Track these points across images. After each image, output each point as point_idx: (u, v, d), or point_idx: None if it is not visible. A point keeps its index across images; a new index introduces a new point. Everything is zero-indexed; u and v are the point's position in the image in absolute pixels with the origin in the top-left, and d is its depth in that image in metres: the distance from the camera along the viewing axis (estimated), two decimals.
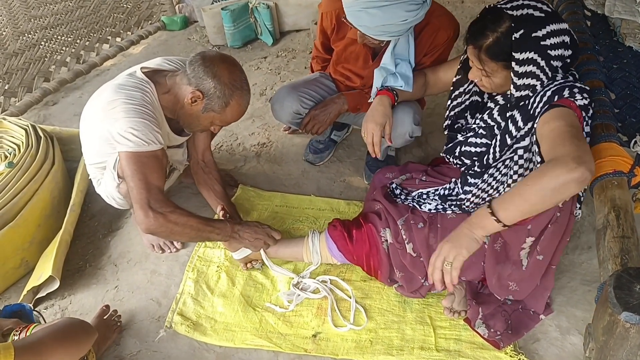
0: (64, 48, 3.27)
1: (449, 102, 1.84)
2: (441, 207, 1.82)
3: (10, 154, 2.21)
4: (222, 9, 3.39)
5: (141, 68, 1.79)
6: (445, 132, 1.87)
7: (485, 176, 1.67)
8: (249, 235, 1.85)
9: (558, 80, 1.45)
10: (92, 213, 2.31)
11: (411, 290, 1.81)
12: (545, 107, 1.41)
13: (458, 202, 1.79)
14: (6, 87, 2.93)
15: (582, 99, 1.40)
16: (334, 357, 1.70)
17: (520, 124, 1.49)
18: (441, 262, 1.38)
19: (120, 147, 1.65)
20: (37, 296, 1.96)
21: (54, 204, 2.20)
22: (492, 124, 1.59)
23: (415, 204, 1.88)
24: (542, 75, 1.46)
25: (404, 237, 1.77)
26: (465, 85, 1.78)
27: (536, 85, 1.48)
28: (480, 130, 1.66)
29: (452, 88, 1.84)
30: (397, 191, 1.98)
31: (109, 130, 1.66)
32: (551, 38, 1.43)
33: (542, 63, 1.44)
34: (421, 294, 1.82)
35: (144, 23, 3.80)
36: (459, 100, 1.81)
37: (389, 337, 1.74)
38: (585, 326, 1.70)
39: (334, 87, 2.24)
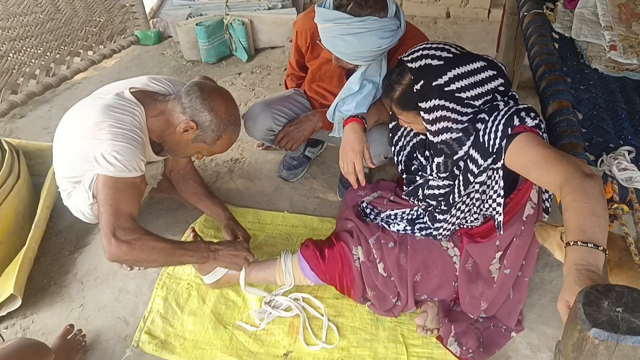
0: (33, 60, 3.20)
1: (393, 148, 1.84)
2: (409, 228, 1.82)
3: None
4: (196, 24, 3.38)
5: (129, 88, 1.75)
6: (403, 176, 1.86)
7: (453, 210, 1.68)
8: (227, 253, 1.81)
9: (501, 109, 1.47)
10: (58, 229, 2.25)
11: (384, 310, 1.81)
12: (504, 140, 1.43)
13: (428, 231, 1.79)
14: None
15: (532, 119, 1.43)
16: None
17: (480, 161, 1.50)
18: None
19: (100, 169, 1.61)
20: None
21: (17, 220, 2.13)
22: (449, 165, 1.60)
23: (384, 224, 1.88)
24: (455, 116, 1.47)
25: (375, 256, 1.76)
26: (402, 129, 1.79)
27: (452, 127, 1.49)
28: (440, 174, 1.67)
29: (390, 134, 1.84)
30: (368, 210, 1.98)
31: (91, 150, 1.62)
32: (456, 82, 1.44)
33: (452, 105, 1.46)
34: (394, 313, 1.82)
35: (117, 37, 3.76)
36: (402, 143, 1.81)
37: (362, 355, 1.73)
38: (554, 344, 1.72)
39: (307, 105, 2.25)
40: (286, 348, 1.75)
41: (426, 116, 1.48)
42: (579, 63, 2.02)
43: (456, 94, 1.44)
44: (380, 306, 1.80)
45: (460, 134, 1.50)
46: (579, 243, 1.10)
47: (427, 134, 1.54)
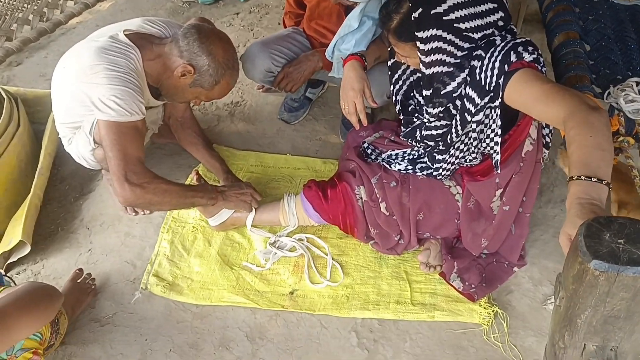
0: (25, 5, 3.11)
1: (392, 87, 1.80)
2: (411, 168, 1.81)
3: None
4: None
5: (124, 31, 1.70)
6: (400, 117, 1.83)
7: (452, 150, 1.66)
8: (234, 193, 1.83)
9: (498, 45, 1.42)
10: (62, 176, 2.25)
11: (387, 248, 1.83)
12: (502, 77, 1.39)
13: (429, 171, 1.78)
14: None
15: (529, 54, 1.38)
16: (311, 313, 1.71)
17: (477, 100, 1.46)
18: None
19: (101, 114, 1.59)
20: (9, 261, 1.92)
21: (21, 167, 2.14)
22: (447, 103, 1.56)
23: (385, 164, 1.86)
24: (451, 49, 1.43)
25: (378, 195, 1.76)
26: (403, 67, 1.74)
27: (446, 60, 1.45)
28: (438, 114, 1.63)
29: (389, 72, 1.79)
30: (369, 151, 1.96)
31: (87, 94, 1.60)
32: (455, 12, 1.40)
33: (450, 37, 1.41)
34: (396, 251, 1.84)
35: None
36: (401, 82, 1.77)
37: (365, 292, 1.76)
38: (555, 277, 1.75)
39: (307, 44, 2.18)
40: (292, 286, 1.78)
41: (422, 46, 1.44)
42: None
43: (455, 24, 1.40)
44: (383, 244, 1.81)
45: (452, 69, 1.47)
46: (582, 177, 1.09)
47: (420, 65, 1.50)
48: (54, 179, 2.24)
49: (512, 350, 1.62)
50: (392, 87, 1.80)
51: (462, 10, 1.40)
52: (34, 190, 2.04)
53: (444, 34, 1.41)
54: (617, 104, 1.50)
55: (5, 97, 2.19)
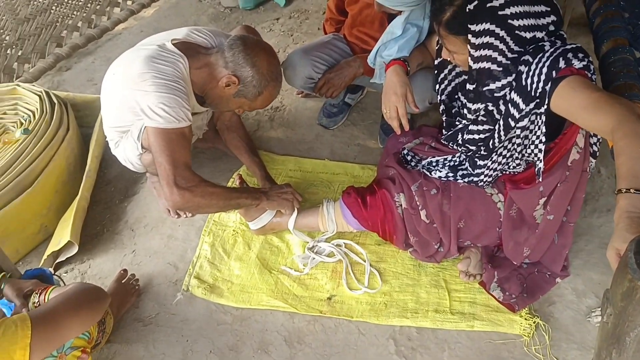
0: (75, 12, 3.24)
1: (437, 86, 1.79)
2: (451, 175, 1.79)
3: (25, 121, 2.22)
4: None
5: (171, 40, 1.76)
6: (443, 117, 1.82)
7: (494, 156, 1.64)
8: (276, 193, 1.87)
9: (547, 51, 1.39)
10: (107, 179, 2.33)
11: (426, 256, 1.81)
12: (549, 84, 1.37)
13: (470, 178, 1.76)
14: (19, 54, 2.92)
15: (579, 61, 1.35)
16: (349, 319, 1.72)
17: (522, 105, 1.44)
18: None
19: (150, 121, 1.64)
20: (57, 260, 2.00)
21: (70, 170, 2.22)
22: (491, 108, 1.54)
23: (425, 171, 1.85)
24: (501, 46, 1.41)
25: (418, 203, 1.75)
26: (450, 67, 1.73)
27: (496, 57, 1.43)
28: (480, 117, 1.61)
29: (436, 72, 1.78)
30: (409, 157, 1.96)
31: (137, 101, 1.65)
32: (511, 7, 1.38)
33: (502, 34, 1.39)
34: (436, 259, 1.82)
35: None
36: (446, 82, 1.76)
37: (404, 300, 1.75)
38: (602, 289, 1.71)
39: (348, 50, 2.19)
40: (330, 292, 1.80)
41: (473, 40, 1.43)
42: None
43: (509, 20, 1.38)
44: (422, 252, 1.80)
45: (499, 68, 1.45)
46: (631, 190, 1.06)
47: (468, 58, 1.49)
48: (100, 182, 2.32)
49: None
50: (437, 86, 1.79)
51: (517, 6, 1.38)
52: (81, 193, 2.11)
53: (497, 30, 1.40)
54: None
55: (56, 102, 2.29)
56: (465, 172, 1.79)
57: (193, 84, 1.76)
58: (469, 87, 1.58)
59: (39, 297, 1.46)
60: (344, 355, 1.64)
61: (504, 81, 1.47)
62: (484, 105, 1.56)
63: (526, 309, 1.69)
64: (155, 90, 1.63)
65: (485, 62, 1.46)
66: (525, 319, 1.66)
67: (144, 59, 1.67)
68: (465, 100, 1.66)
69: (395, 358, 1.63)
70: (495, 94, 1.51)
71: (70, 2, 3.20)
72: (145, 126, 1.67)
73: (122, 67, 1.78)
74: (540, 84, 1.38)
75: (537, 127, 1.48)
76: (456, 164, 1.83)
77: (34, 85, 2.42)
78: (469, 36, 1.43)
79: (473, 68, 1.50)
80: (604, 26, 1.69)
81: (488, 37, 1.41)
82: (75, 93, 2.61)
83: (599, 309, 1.67)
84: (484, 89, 1.52)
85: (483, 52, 1.44)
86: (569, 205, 1.64)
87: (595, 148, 1.56)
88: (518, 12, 1.38)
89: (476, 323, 1.67)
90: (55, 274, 1.75)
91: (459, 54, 1.52)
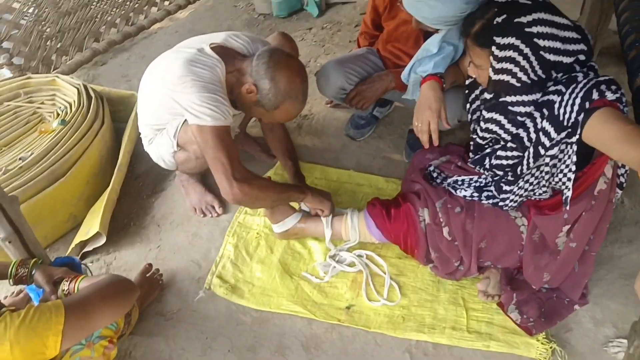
0: (114, 9, 3.33)
1: (468, 106, 1.81)
2: (477, 195, 1.81)
3: (62, 112, 2.29)
4: None
5: (210, 44, 1.81)
6: (471, 142, 1.84)
7: (521, 182, 1.66)
8: (320, 193, 1.93)
9: (580, 82, 1.41)
10: (137, 174, 2.38)
11: (446, 272, 1.83)
12: (581, 114, 1.39)
13: (495, 200, 1.78)
14: (58, 46, 3.01)
15: (612, 93, 1.37)
16: (366, 330, 1.74)
17: (554, 134, 1.47)
18: None
19: (196, 119, 1.68)
20: (84, 250, 2.05)
21: (101, 162, 2.28)
22: (522, 135, 1.57)
23: (450, 188, 1.88)
24: (524, 63, 1.44)
25: (441, 219, 1.77)
26: (481, 87, 1.74)
27: (516, 73, 1.46)
28: (509, 144, 1.64)
29: (467, 91, 1.81)
30: (434, 174, 1.98)
31: (177, 102, 1.71)
32: (538, 26, 1.40)
33: (527, 51, 1.42)
34: (455, 277, 1.84)
35: None
36: (478, 102, 1.77)
37: (422, 315, 1.77)
38: (620, 319, 1.71)
39: (380, 64, 2.23)
40: (349, 301, 1.82)
41: (497, 52, 1.46)
42: None
43: (534, 39, 1.41)
44: (442, 269, 1.82)
45: (519, 85, 1.48)
46: None
47: (490, 70, 1.51)
48: (129, 176, 2.37)
49: None
50: (468, 106, 1.82)
51: (545, 27, 1.41)
52: (112, 185, 2.17)
53: (522, 46, 1.42)
54: None
55: (93, 95, 2.35)
56: (490, 193, 1.80)
57: (227, 87, 1.80)
58: (487, 96, 1.63)
59: (68, 285, 1.50)
60: None
61: (519, 97, 1.50)
62: (498, 115, 1.59)
63: (543, 333, 1.70)
64: (197, 92, 1.68)
65: (505, 74, 1.49)
66: (542, 343, 1.67)
67: (183, 62, 1.72)
68: (484, 110, 1.69)
69: None
70: (509, 107, 1.54)
71: None
72: (191, 124, 1.71)
73: (162, 67, 1.83)
74: (573, 114, 1.41)
75: (567, 156, 1.50)
76: (482, 185, 1.84)
77: (72, 78, 2.49)
78: (493, 48, 1.47)
79: (492, 79, 1.53)
80: (639, 59, 1.70)
81: (511, 51, 1.44)
82: (110, 88, 2.68)
83: (617, 339, 1.68)
84: (500, 99, 1.55)
85: (504, 65, 1.47)
86: (592, 235, 1.65)
87: (622, 179, 1.58)
88: (545, 32, 1.41)
89: (492, 343, 1.69)
90: (83, 263, 1.80)
91: (484, 70, 1.55)
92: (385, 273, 1.89)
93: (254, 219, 2.09)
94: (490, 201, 1.79)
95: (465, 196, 1.83)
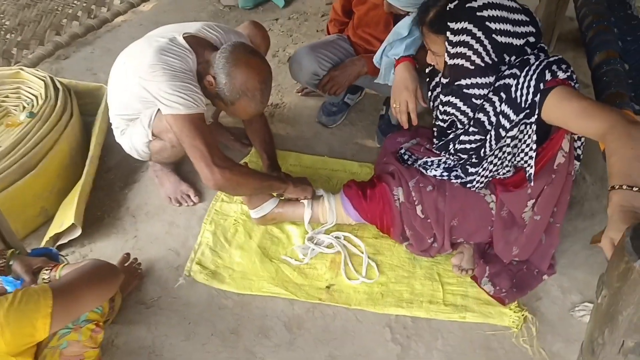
0: (75, 2, 3.25)
1: (429, 93, 1.87)
2: (446, 175, 1.88)
3: (28, 104, 2.24)
4: None
5: (183, 34, 1.80)
6: (434, 128, 1.90)
7: (485, 164, 1.73)
8: (301, 182, 1.95)
9: (532, 64, 1.49)
10: (109, 166, 2.35)
11: (421, 250, 1.89)
12: (537, 95, 1.47)
13: (463, 180, 1.84)
14: (19, 39, 2.93)
15: (563, 72, 1.46)
16: (347, 307, 1.79)
17: (513, 116, 1.54)
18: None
19: (169, 109, 1.68)
20: (58, 243, 2.02)
21: (72, 155, 2.24)
22: (483, 119, 1.64)
23: (421, 169, 1.94)
24: (477, 46, 1.50)
25: (414, 198, 1.83)
26: (440, 74, 1.79)
27: (470, 56, 1.52)
28: (471, 128, 1.71)
29: (427, 80, 1.87)
30: (406, 156, 2.04)
31: (149, 91, 1.71)
32: (489, 10, 1.47)
33: (479, 34, 1.49)
34: (430, 254, 1.90)
35: None
36: (439, 89, 1.82)
37: (399, 290, 1.83)
38: (585, 287, 1.81)
39: (351, 51, 2.27)
40: (328, 281, 1.86)
41: (451, 37, 1.52)
42: (627, 14, 2.01)
43: (486, 22, 1.47)
44: (417, 246, 1.88)
45: (474, 68, 1.54)
46: (624, 187, 1.15)
47: (445, 55, 1.57)
48: (101, 168, 2.33)
49: (540, 353, 1.67)
50: (429, 93, 1.87)
51: (495, 10, 1.48)
52: (85, 177, 2.14)
53: (475, 30, 1.49)
54: None
55: (60, 88, 2.31)
56: (458, 174, 1.87)
57: (197, 77, 1.80)
58: (443, 80, 1.68)
59: (49, 273, 1.49)
60: (342, 341, 1.71)
61: (474, 80, 1.57)
62: (454, 99, 1.66)
63: (515, 302, 1.79)
64: (168, 80, 1.68)
65: (460, 59, 1.55)
66: (515, 312, 1.76)
67: (154, 51, 1.72)
68: (442, 95, 1.75)
69: (391, 345, 1.70)
70: (464, 91, 1.61)
71: None
72: (165, 114, 1.71)
73: (133, 57, 1.82)
74: (530, 96, 1.48)
75: (527, 136, 1.58)
76: (450, 165, 1.91)
77: (37, 70, 2.43)
78: (448, 34, 1.52)
79: (448, 64, 1.58)
80: (596, 39, 1.80)
81: (465, 35, 1.50)
82: (77, 81, 2.63)
83: (583, 304, 1.78)
84: (456, 83, 1.62)
85: (459, 50, 1.53)
86: (555, 207, 1.74)
87: (579, 151, 1.67)
88: (496, 15, 1.48)
89: (468, 314, 1.76)
90: (61, 253, 1.78)
91: (441, 56, 1.61)
92: (362, 252, 1.93)
93: (231, 206, 2.11)
94: (459, 181, 1.85)
95: (435, 175, 1.89)
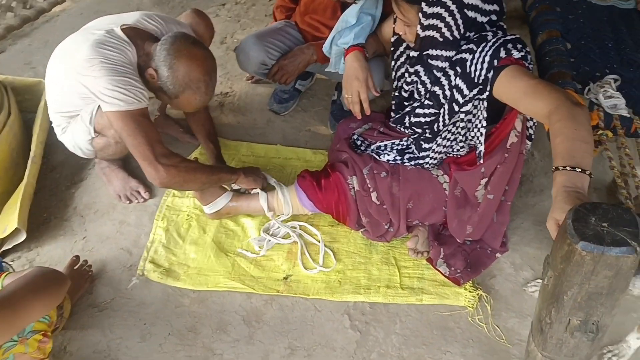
0: None
1: (393, 63, 1.86)
2: (399, 158, 1.89)
3: None
4: None
5: (121, 25, 1.72)
6: (393, 101, 1.91)
7: (439, 139, 1.75)
8: (252, 172, 1.93)
9: (489, 40, 1.51)
10: (52, 165, 2.26)
11: (377, 235, 1.90)
12: (490, 72, 1.48)
13: (416, 160, 1.86)
14: None
15: (518, 52, 1.48)
16: (305, 297, 1.78)
17: (466, 91, 1.56)
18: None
19: (109, 106, 1.62)
20: (2, 249, 1.93)
21: (12, 156, 2.14)
22: (438, 92, 1.65)
23: (374, 155, 1.94)
24: (449, 19, 1.52)
25: (369, 185, 1.83)
26: (405, 44, 1.80)
27: (441, 28, 1.54)
28: (426, 101, 1.71)
29: (392, 48, 1.86)
30: (359, 142, 2.03)
31: (87, 87, 1.63)
32: None
33: (453, 7, 1.51)
34: (386, 238, 1.91)
35: None
36: (402, 59, 1.83)
37: (357, 277, 1.84)
38: (537, 262, 1.86)
39: (300, 38, 2.24)
40: (286, 272, 1.85)
41: (426, 8, 1.53)
42: None
43: None
44: (373, 232, 1.89)
45: (443, 40, 1.56)
46: (567, 167, 1.18)
47: (417, 27, 1.58)
48: (45, 168, 2.24)
49: (495, 330, 1.72)
50: (393, 63, 1.86)
51: None
52: (27, 179, 2.04)
53: (449, 2, 1.50)
54: (597, 99, 1.60)
55: None
56: (411, 155, 1.88)
57: (138, 71, 1.74)
58: (413, 53, 1.69)
59: None
60: (302, 332, 1.71)
61: (441, 52, 1.58)
62: (419, 67, 1.67)
63: (470, 282, 1.82)
64: (106, 75, 1.61)
65: (431, 30, 1.56)
66: (470, 291, 1.79)
67: (90, 44, 1.64)
68: (408, 66, 1.75)
69: (350, 332, 1.71)
70: (429, 61, 1.62)
71: None
72: (106, 111, 1.64)
73: (69, 51, 1.74)
74: (483, 72, 1.50)
75: (479, 112, 1.60)
76: (403, 147, 1.92)
77: None
78: (423, 4, 1.53)
79: (420, 36, 1.59)
80: (539, 19, 1.82)
81: (439, 7, 1.51)
82: (14, 76, 2.50)
83: (535, 280, 1.83)
84: (424, 52, 1.63)
85: (432, 22, 1.54)
86: (507, 185, 1.77)
87: (531, 131, 1.70)
88: None
89: (425, 297, 1.78)
90: (5, 260, 1.71)
91: (411, 27, 1.61)
92: (319, 241, 1.93)
93: (183, 200, 2.06)
94: (413, 162, 1.86)
95: (389, 160, 1.89)
